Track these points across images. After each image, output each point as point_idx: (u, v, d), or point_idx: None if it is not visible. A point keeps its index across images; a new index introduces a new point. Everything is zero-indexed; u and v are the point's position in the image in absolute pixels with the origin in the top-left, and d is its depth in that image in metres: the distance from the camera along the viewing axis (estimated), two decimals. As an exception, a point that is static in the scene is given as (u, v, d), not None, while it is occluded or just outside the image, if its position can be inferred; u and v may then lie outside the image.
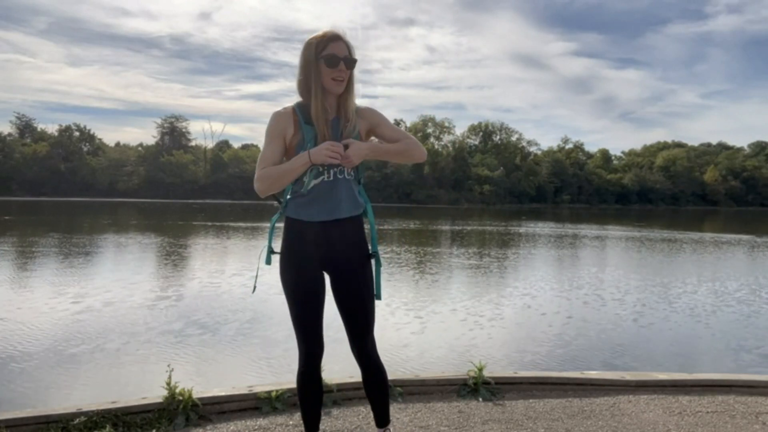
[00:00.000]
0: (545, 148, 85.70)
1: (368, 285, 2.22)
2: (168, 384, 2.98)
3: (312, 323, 2.19)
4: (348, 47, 2.10)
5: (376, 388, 2.29)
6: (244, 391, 3.17)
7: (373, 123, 2.22)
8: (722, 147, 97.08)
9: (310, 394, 2.27)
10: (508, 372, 3.91)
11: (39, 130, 66.65)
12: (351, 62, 2.09)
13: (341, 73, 2.07)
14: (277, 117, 2.14)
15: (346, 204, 2.16)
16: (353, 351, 2.26)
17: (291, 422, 2.94)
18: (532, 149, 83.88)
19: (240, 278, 9.99)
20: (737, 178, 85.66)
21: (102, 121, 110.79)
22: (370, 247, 2.25)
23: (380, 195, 63.47)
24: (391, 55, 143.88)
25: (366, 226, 2.29)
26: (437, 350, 5.85)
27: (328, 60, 2.05)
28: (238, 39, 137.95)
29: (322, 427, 2.80)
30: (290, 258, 2.17)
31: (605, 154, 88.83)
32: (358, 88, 2.16)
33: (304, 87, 2.12)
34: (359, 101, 2.22)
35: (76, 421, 2.75)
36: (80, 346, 5.68)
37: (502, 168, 73.66)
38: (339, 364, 4.08)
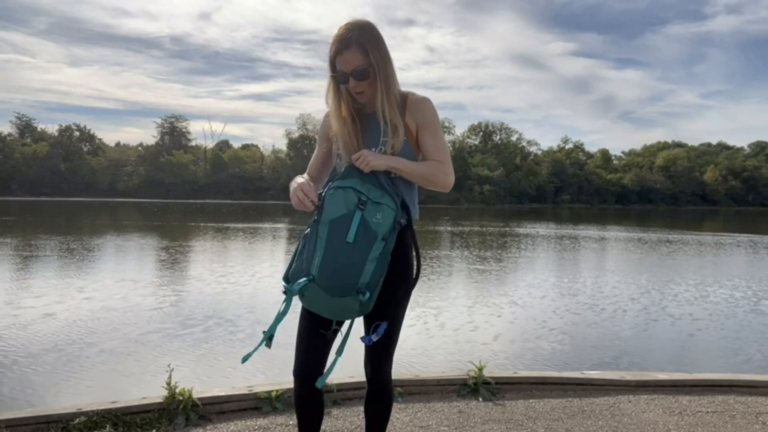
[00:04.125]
0: (545, 148, 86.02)
1: (399, 303, 2.00)
2: (168, 384, 2.97)
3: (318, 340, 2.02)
4: (363, 51, 1.80)
5: (378, 412, 2.08)
6: (244, 391, 3.17)
7: (420, 121, 1.91)
8: (722, 147, 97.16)
9: (308, 414, 2.09)
10: (508, 372, 3.91)
11: (39, 130, 66.83)
12: (363, 73, 1.81)
13: (355, 87, 1.84)
14: (324, 118, 2.01)
15: None
16: (366, 369, 2.06)
17: (291, 422, 2.94)
18: (532, 149, 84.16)
19: (240, 278, 9.99)
20: (737, 178, 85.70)
21: (102, 121, 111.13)
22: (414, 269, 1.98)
23: (380, 195, 63.38)
24: (390, 55, 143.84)
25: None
26: (437, 350, 5.85)
27: (339, 79, 1.85)
28: (238, 39, 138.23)
29: (322, 427, 2.79)
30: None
31: (605, 154, 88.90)
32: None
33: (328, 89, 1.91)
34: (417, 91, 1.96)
35: (76, 421, 2.75)
36: (80, 346, 5.68)
37: (502, 168, 73.66)
38: (339, 364, 4.05)
